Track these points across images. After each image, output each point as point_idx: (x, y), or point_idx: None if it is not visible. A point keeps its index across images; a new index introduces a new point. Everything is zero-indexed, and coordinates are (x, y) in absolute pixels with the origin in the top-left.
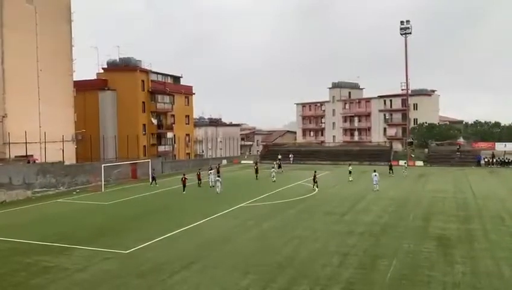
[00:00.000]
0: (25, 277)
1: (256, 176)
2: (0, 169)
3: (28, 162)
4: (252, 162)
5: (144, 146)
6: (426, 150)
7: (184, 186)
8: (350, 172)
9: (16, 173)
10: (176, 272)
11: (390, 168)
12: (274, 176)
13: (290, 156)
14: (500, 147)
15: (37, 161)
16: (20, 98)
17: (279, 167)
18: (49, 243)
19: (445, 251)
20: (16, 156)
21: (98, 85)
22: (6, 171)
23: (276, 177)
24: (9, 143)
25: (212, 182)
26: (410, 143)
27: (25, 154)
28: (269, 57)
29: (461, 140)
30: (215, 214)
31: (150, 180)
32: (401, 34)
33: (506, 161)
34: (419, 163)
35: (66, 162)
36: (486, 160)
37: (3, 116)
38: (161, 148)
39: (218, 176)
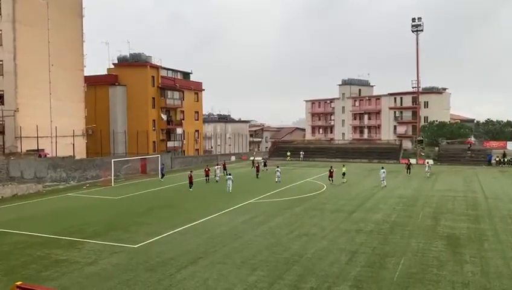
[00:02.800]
0: (36, 270)
1: (257, 175)
2: (12, 163)
3: (39, 156)
4: (261, 158)
5: (154, 142)
6: (436, 148)
7: (191, 183)
8: (344, 173)
9: (27, 167)
10: (184, 267)
11: (408, 168)
12: (279, 176)
13: (301, 152)
14: (511, 146)
15: (48, 155)
16: (32, 92)
17: (264, 165)
18: (60, 236)
19: (455, 250)
20: (27, 150)
21: (108, 80)
22: (18, 165)
23: (271, 175)
24: (20, 137)
25: (217, 176)
26: (420, 141)
27: (36, 148)
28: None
29: (472, 139)
30: (223, 210)
31: (160, 175)
32: (413, 32)
33: None
34: (430, 161)
35: (77, 157)
36: (497, 159)
37: (15, 111)
38: (170, 144)
39: (229, 174)
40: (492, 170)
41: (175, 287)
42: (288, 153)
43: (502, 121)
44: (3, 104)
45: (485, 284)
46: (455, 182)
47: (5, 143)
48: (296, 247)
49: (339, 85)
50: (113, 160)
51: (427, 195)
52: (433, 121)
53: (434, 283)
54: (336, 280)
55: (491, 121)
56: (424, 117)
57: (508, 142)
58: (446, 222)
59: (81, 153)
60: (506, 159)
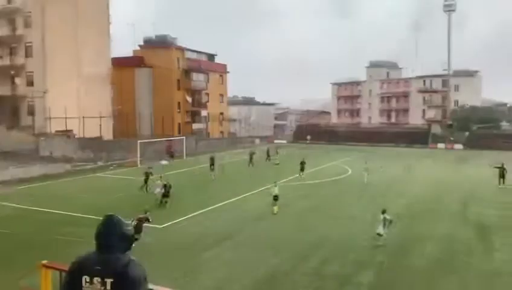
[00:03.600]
0: (64, 247)
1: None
2: (41, 143)
3: (68, 137)
4: (285, 141)
5: (179, 124)
6: (467, 133)
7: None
8: (366, 170)
9: (56, 147)
10: (209, 248)
11: (502, 176)
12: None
13: (308, 137)
14: None
15: (76, 136)
16: (60, 74)
17: (251, 159)
18: (88, 215)
19: (485, 237)
20: (56, 131)
21: (134, 62)
22: (48, 145)
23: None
24: (50, 118)
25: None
26: (450, 126)
27: (64, 129)
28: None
29: (505, 123)
30: (250, 192)
31: (168, 158)
32: (445, 12)
33: None
34: (459, 146)
35: (104, 138)
36: None
37: (44, 92)
38: (195, 126)
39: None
40: None
41: (199, 268)
42: (309, 137)
43: None
44: (32, 86)
45: None
46: (487, 167)
47: (35, 123)
48: (322, 230)
49: (367, 67)
50: (139, 141)
51: (457, 180)
52: (464, 104)
53: (463, 270)
54: (360, 265)
55: None
56: (455, 101)
57: None
58: (477, 209)
59: (108, 135)
60: None
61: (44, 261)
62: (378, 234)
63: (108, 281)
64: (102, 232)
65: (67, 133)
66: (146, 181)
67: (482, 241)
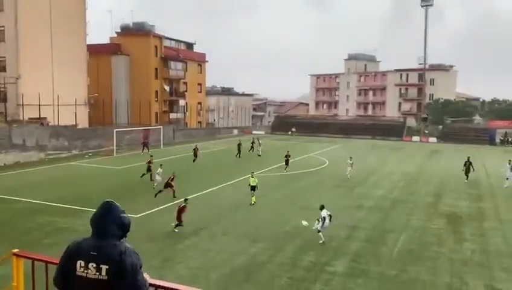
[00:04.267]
0: (37, 236)
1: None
2: (14, 130)
3: (41, 124)
4: (263, 132)
5: (156, 113)
6: (440, 126)
7: (195, 156)
8: (351, 165)
9: (30, 134)
10: (186, 237)
11: (467, 171)
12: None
13: (293, 129)
14: None
15: (50, 124)
16: (34, 60)
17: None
18: (62, 204)
19: (455, 228)
20: (29, 118)
21: (111, 49)
22: (20, 133)
23: (281, 150)
24: (22, 105)
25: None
26: (425, 119)
27: (38, 116)
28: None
29: (477, 117)
30: (226, 182)
31: (142, 147)
32: (422, 6)
33: None
34: (433, 139)
35: (79, 126)
36: (501, 138)
37: (17, 78)
38: (173, 116)
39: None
40: (496, 149)
41: (176, 257)
42: (293, 129)
43: (508, 100)
44: (5, 71)
45: (484, 262)
46: (458, 160)
47: (7, 110)
48: (297, 221)
49: (345, 60)
50: (115, 130)
51: (429, 173)
52: (439, 98)
53: (433, 259)
54: (335, 254)
55: (497, 100)
56: (430, 94)
57: None
58: (448, 200)
59: (83, 123)
60: (509, 139)
61: (15, 250)
62: (318, 231)
63: (104, 267)
64: (100, 218)
65: (41, 121)
66: (149, 169)
67: (452, 232)
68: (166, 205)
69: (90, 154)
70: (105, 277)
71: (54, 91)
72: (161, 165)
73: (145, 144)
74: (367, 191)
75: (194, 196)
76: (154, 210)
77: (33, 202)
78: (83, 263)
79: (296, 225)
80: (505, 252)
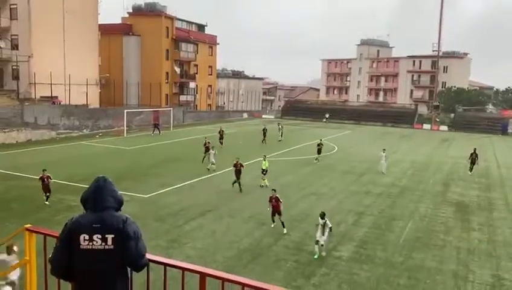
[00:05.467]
0: (49, 214)
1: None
2: (26, 108)
3: (53, 103)
4: (273, 117)
5: (166, 94)
6: (452, 114)
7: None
8: (385, 158)
9: (41, 113)
10: (193, 218)
11: (473, 163)
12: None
13: (326, 115)
14: None
15: (61, 103)
16: (46, 39)
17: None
18: (73, 182)
19: (463, 217)
20: (41, 97)
21: (122, 30)
22: (32, 111)
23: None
24: (34, 83)
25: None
26: (437, 107)
27: (49, 95)
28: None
29: (490, 107)
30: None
31: (153, 129)
32: None
33: None
34: (444, 128)
35: (90, 106)
36: None
37: (29, 56)
38: (183, 98)
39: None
40: (509, 139)
41: (183, 237)
42: (327, 116)
43: None
44: (17, 49)
45: (491, 251)
46: (469, 149)
47: (19, 88)
48: (304, 205)
49: (357, 45)
50: (126, 110)
51: (439, 161)
52: (451, 86)
53: (439, 247)
54: (341, 239)
55: (511, 89)
56: (443, 82)
57: None
58: (456, 189)
59: (94, 102)
60: None
61: (27, 225)
62: (317, 242)
63: (109, 237)
64: (96, 191)
65: (52, 100)
66: (208, 150)
67: (460, 220)
68: (174, 187)
69: (100, 134)
70: (112, 246)
71: (66, 70)
72: (213, 147)
73: (156, 126)
74: (375, 178)
75: (200, 178)
76: (163, 191)
77: None
78: (87, 237)
79: (303, 210)
80: None
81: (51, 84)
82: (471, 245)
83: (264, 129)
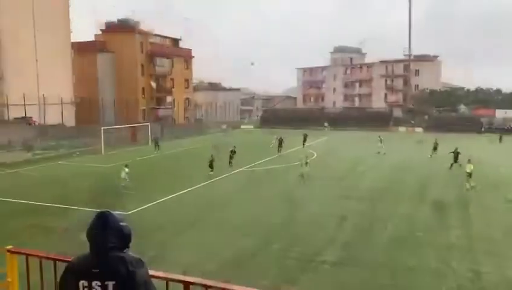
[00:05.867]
0: (28, 237)
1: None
2: None
3: (29, 124)
4: (252, 127)
5: (143, 110)
6: (426, 116)
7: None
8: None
9: (16, 134)
10: (178, 232)
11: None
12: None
13: (325, 124)
14: (500, 114)
15: (36, 123)
16: (17, 59)
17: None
18: (52, 204)
19: (441, 215)
20: (14, 118)
21: (96, 47)
22: (6, 133)
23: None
24: (7, 105)
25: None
26: (411, 109)
27: (23, 116)
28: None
29: (462, 107)
30: (216, 177)
31: (154, 146)
32: None
33: (506, 128)
34: (419, 130)
35: (66, 125)
36: (486, 127)
37: (0, 78)
38: (160, 112)
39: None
40: (482, 138)
41: (169, 251)
42: (326, 124)
43: (491, 89)
44: None
45: (469, 247)
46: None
47: None
48: (287, 213)
49: (331, 52)
50: (102, 128)
51: (416, 162)
52: (424, 89)
53: (420, 246)
54: (324, 244)
55: (481, 89)
56: (415, 85)
57: (496, 110)
58: (435, 189)
59: (70, 121)
60: (494, 127)
61: (9, 247)
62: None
63: (110, 283)
64: (97, 230)
65: (27, 120)
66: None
67: (438, 219)
68: (155, 202)
69: (78, 153)
70: None
71: (39, 90)
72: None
73: (157, 141)
74: (355, 182)
75: (182, 192)
76: (144, 207)
77: (21, 202)
78: (85, 283)
79: (287, 216)
80: (488, 237)
81: (25, 104)
82: (450, 242)
83: (280, 139)
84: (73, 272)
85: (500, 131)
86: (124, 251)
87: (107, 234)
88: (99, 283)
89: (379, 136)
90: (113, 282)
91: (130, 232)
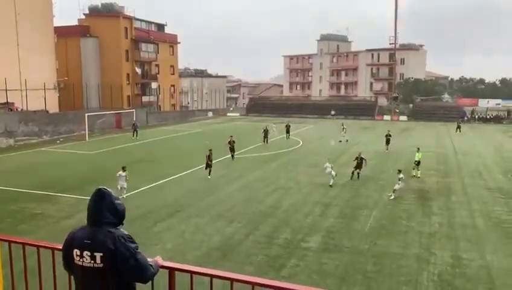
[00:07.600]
0: (11, 223)
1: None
2: None
3: (10, 110)
4: (238, 114)
5: (128, 96)
6: (411, 105)
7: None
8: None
9: None
10: (161, 220)
11: (458, 128)
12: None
13: (332, 112)
14: (483, 103)
15: (18, 109)
16: None
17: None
18: (35, 190)
19: (424, 203)
20: None
21: (79, 31)
22: None
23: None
24: None
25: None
26: (395, 98)
27: (5, 101)
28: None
29: (446, 96)
30: (200, 165)
31: (132, 133)
32: None
33: (488, 117)
34: (404, 118)
35: (49, 111)
36: (468, 116)
37: None
38: (145, 99)
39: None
40: (464, 126)
41: (152, 239)
42: (333, 112)
43: (475, 79)
44: None
45: (450, 234)
46: (427, 138)
47: None
48: (272, 200)
49: (318, 40)
50: (87, 114)
51: (399, 150)
52: (409, 78)
53: (403, 233)
54: (309, 230)
55: (465, 78)
56: (400, 74)
57: (479, 99)
58: (417, 176)
59: (53, 107)
60: (476, 116)
61: None
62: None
63: (98, 255)
64: (93, 205)
65: (8, 106)
66: (233, 150)
67: (421, 206)
68: (141, 189)
69: (61, 139)
70: (101, 265)
71: (22, 75)
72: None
73: (135, 128)
74: (339, 169)
75: (167, 179)
76: (129, 194)
77: (4, 189)
78: (78, 252)
79: (271, 204)
80: (470, 224)
81: (6, 90)
82: (432, 229)
83: (265, 130)
84: (70, 241)
85: (483, 120)
86: (117, 227)
87: (101, 209)
88: (89, 253)
89: (342, 124)
90: (101, 254)
91: (124, 210)
